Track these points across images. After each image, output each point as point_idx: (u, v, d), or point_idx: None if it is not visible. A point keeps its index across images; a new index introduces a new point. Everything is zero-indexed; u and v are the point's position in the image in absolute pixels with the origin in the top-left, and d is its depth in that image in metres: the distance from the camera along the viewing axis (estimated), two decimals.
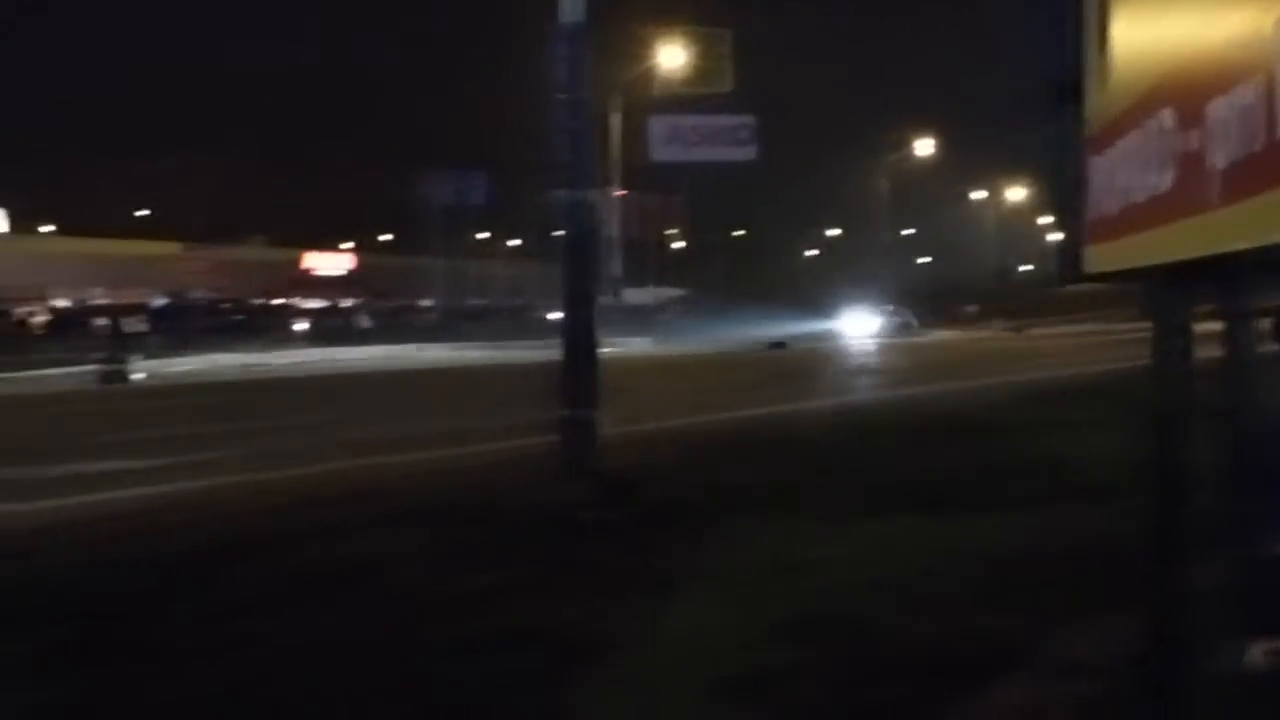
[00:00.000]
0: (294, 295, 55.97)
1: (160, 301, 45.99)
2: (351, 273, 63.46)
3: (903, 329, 41.68)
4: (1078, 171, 3.23)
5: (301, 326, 47.69)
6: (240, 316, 46.44)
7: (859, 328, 41.05)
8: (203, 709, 3.52)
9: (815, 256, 73.66)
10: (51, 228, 56.43)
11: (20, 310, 44.34)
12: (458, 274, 55.93)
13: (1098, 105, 3.06)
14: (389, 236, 66.61)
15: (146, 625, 4.35)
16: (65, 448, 10.96)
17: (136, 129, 59.93)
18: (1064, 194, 3.43)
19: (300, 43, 70.42)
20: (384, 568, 5.18)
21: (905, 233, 67.94)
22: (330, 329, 45.64)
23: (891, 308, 44.45)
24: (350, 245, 66.57)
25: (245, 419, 13.58)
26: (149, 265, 51.80)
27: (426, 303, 56.76)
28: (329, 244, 64.80)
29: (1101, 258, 3.02)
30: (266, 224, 58.87)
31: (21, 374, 24.53)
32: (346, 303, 55.92)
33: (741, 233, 69.94)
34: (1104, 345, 22.03)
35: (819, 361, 25.21)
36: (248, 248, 57.19)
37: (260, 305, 51.56)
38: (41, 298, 47.56)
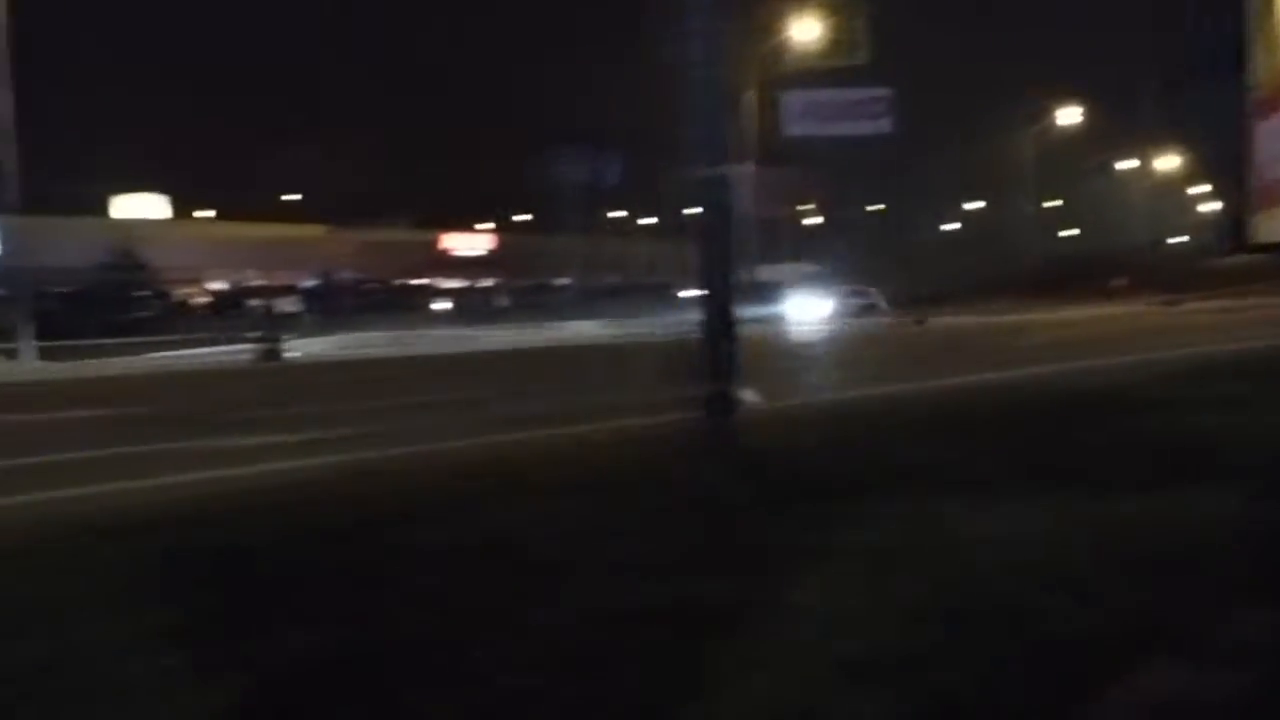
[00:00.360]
0: (434, 275, 57.40)
1: (310, 282, 47.74)
2: (490, 252, 64.65)
3: (865, 311, 37.39)
4: (1242, 139, 3.12)
5: (442, 305, 48.91)
6: (385, 296, 47.91)
7: (807, 311, 36.76)
8: (350, 670, 3.63)
9: (954, 231, 72.00)
10: (211, 213, 58.93)
11: (181, 292, 46.55)
12: (593, 252, 56.48)
13: (1264, 70, 2.96)
14: (526, 217, 67.57)
15: (301, 592, 4.53)
16: (228, 421, 11.51)
17: (285, 117, 61.98)
18: (1227, 162, 3.31)
19: (435, 25, 71.63)
20: (526, 540, 5.27)
21: (1049, 205, 65.86)
22: (470, 307, 46.71)
23: (850, 288, 39.96)
24: (488, 226, 67.79)
25: (393, 395, 14.02)
26: (298, 247, 53.70)
27: (563, 281, 57.50)
28: (467, 225, 66.11)
29: (1271, 226, 2.93)
30: (408, 206, 60.33)
31: (185, 352, 25.85)
32: (485, 282, 57.05)
33: (879, 207, 68.79)
34: (1266, 320, 21.03)
35: (957, 338, 24.74)
36: (390, 229, 58.75)
37: (402, 285, 53.07)
38: (199, 280, 49.80)
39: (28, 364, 25.46)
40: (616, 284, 54.72)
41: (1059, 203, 67.23)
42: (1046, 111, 58.28)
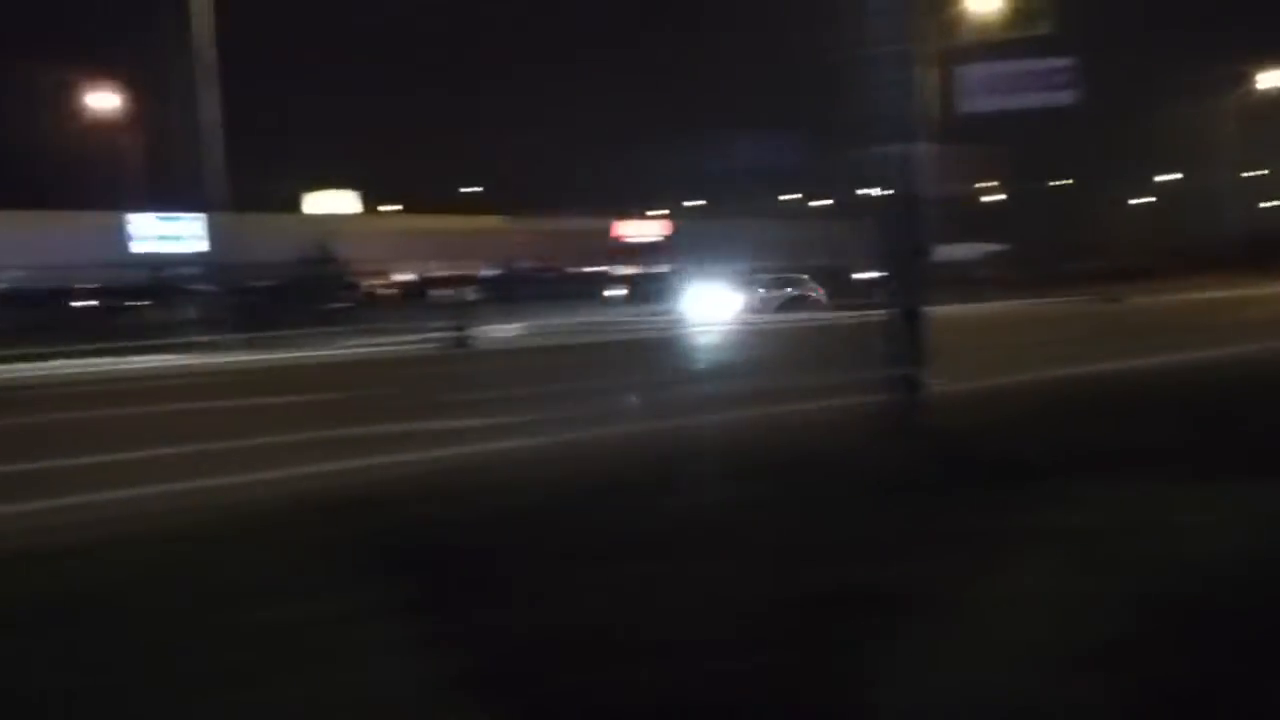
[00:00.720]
0: (609, 262, 58.19)
1: (491, 271, 49.12)
2: (665, 238, 65.05)
3: (790, 304, 32.10)
4: None
5: (617, 292, 49.57)
6: (562, 284, 48.89)
7: (707, 308, 30.97)
8: (545, 646, 3.75)
9: (1148, 204, 68.56)
10: (397, 207, 61.29)
11: (370, 283, 48.60)
12: (768, 236, 56.19)
13: None
14: (700, 202, 67.69)
15: (500, 569, 4.70)
16: (421, 406, 11.96)
17: (469, 112, 63.85)
18: None
19: (606, 16, 72.46)
20: (715, 522, 5.34)
21: (1251, 175, 62.00)
22: (645, 293, 47.16)
23: (771, 277, 34.35)
24: (661, 212, 68.23)
25: (578, 379, 14.31)
26: (478, 238, 55.26)
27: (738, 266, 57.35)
28: (640, 212, 66.69)
29: None
30: (583, 194, 61.28)
31: (377, 340, 26.97)
32: (661, 268, 57.41)
33: (1065, 182, 66.07)
34: None
35: (1153, 316, 23.64)
36: (566, 218, 59.83)
37: (579, 273, 54.03)
38: (386, 271, 51.82)
39: (235, 354, 27.05)
40: (789, 267, 54.18)
41: (1263, 172, 63.25)
42: (1248, 75, 54.90)
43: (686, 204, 68.07)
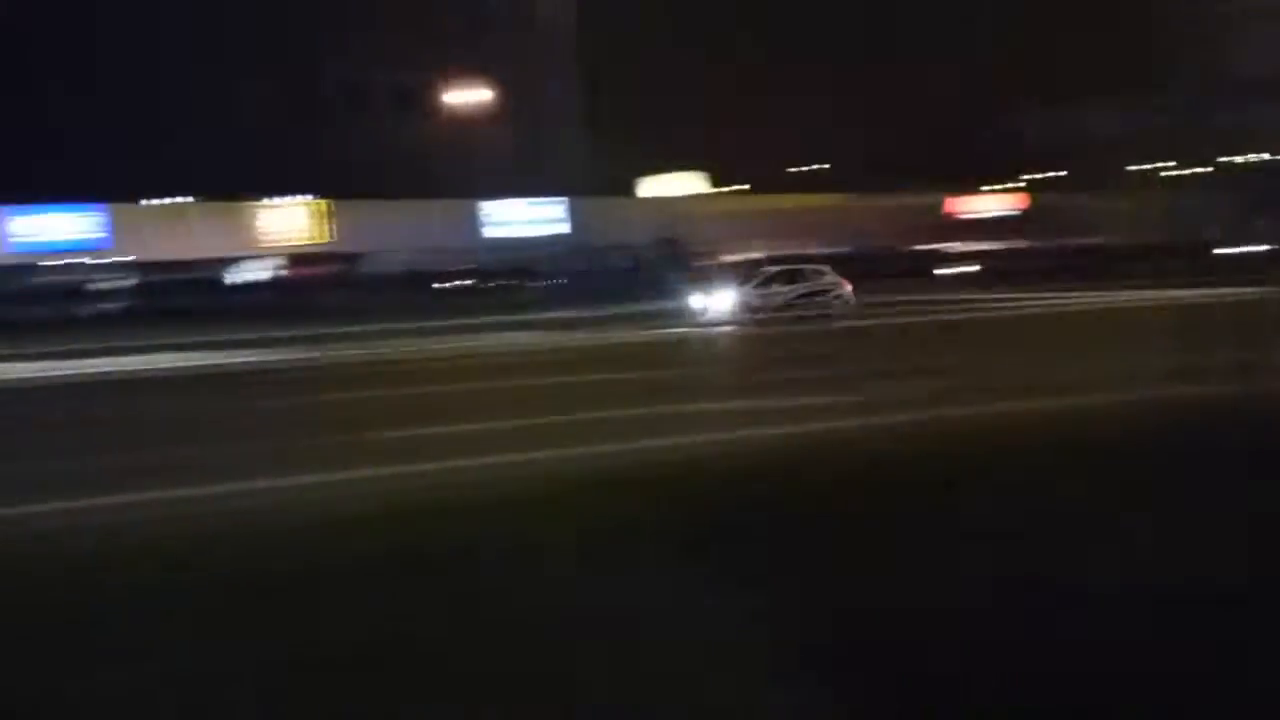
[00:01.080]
0: (955, 239, 56.69)
1: (837, 250, 49.30)
2: (1018, 213, 62.45)
3: (800, 303, 27.25)
4: None
5: (951, 270, 48.59)
6: (907, 262, 48.52)
7: (710, 304, 27.26)
8: (897, 621, 4.11)
9: None
10: (745, 186, 62.54)
11: (713, 262, 50.00)
12: (1130, 210, 52.76)
13: None
14: (1057, 174, 64.36)
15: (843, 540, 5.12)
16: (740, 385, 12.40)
17: (811, 89, 63.91)
18: None
19: None
20: (1059, 510, 5.43)
21: None
22: (992, 272, 45.79)
23: (774, 269, 28.43)
24: (1011, 185, 65.45)
25: (900, 360, 14.33)
26: (819, 216, 55.43)
27: (1093, 241, 54.34)
28: (985, 186, 64.33)
29: None
30: (929, 169, 59.85)
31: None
32: (1013, 244, 55.29)
33: None
34: None
35: None
36: (909, 195, 58.77)
37: (919, 252, 53.15)
38: (732, 251, 53.08)
39: (596, 331, 28.97)
40: (1147, 243, 50.56)
41: None
42: None
43: (1041, 176, 64.99)
